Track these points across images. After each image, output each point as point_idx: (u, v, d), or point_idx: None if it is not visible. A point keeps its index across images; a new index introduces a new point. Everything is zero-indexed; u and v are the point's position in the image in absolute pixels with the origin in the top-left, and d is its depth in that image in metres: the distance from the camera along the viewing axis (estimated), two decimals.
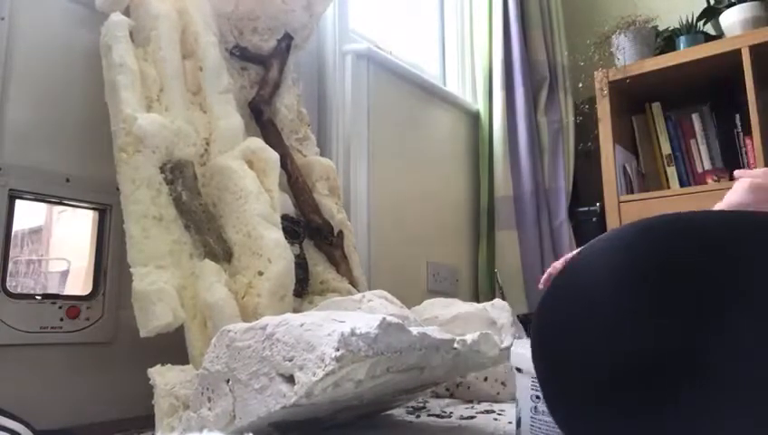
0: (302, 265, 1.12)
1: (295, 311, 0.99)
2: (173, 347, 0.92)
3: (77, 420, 0.95)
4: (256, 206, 0.97)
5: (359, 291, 1.16)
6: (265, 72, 1.26)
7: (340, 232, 1.23)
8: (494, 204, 1.97)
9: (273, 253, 0.94)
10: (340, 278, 1.18)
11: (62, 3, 1.05)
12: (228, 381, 0.68)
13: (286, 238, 1.00)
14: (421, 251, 1.76)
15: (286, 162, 1.18)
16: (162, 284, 0.88)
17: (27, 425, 0.71)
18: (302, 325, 0.63)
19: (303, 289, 1.12)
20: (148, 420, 0.90)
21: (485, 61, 2.07)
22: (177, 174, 0.97)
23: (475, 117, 2.09)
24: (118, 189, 1.05)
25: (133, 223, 0.91)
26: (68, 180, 1.01)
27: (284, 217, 1.06)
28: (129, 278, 1.05)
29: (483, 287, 1.96)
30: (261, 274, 0.93)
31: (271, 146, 1.11)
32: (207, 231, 0.98)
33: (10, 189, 0.94)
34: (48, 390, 0.95)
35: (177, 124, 0.99)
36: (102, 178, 1.04)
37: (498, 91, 2.02)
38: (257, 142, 1.08)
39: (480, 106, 2.08)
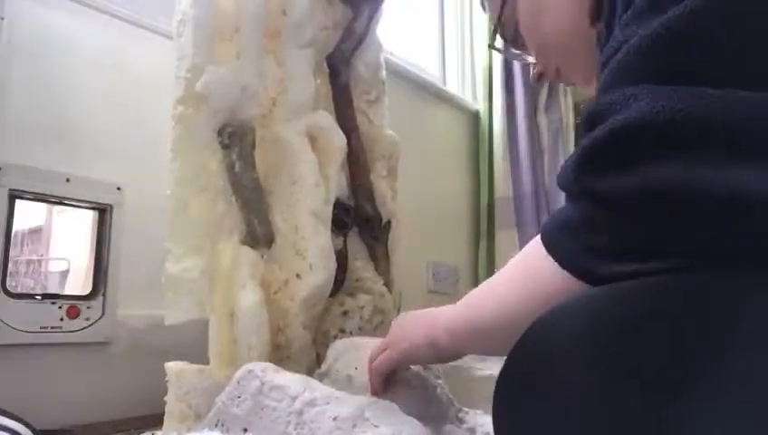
0: (341, 263, 1.05)
1: (324, 309, 0.97)
2: (173, 347, 0.91)
3: (77, 420, 0.95)
4: (310, 201, 0.92)
5: (390, 293, 1.11)
6: (353, 18, 1.13)
7: (389, 222, 1.17)
8: (494, 204, 1.97)
9: (317, 261, 0.90)
10: (376, 278, 1.12)
11: (62, 2, 1.05)
12: (246, 430, 0.67)
13: (332, 229, 0.95)
14: (421, 251, 1.76)
15: (351, 138, 1.09)
16: (196, 273, 0.85)
17: (27, 425, 0.71)
18: (335, 419, 0.61)
19: (336, 289, 1.05)
20: (148, 420, 0.89)
21: (485, 61, 2.07)
22: (236, 141, 0.90)
23: (474, 117, 2.09)
24: (118, 189, 1.06)
25: (179, 187, 0.86)
26: (68, 180, 1.01)
27: (335, 204, 1.00)
28: (129, 278, 1.05)
29: None
30: (299, 277, 0.89)
31: (339, 115, 1.05)
32: (254, 210, 0.92)
33: (10, 189, 0.94)
34: (48, 390, 0.95)
35: (245, 80, 0.91)
36: (102, 179, 1.04)
37: (498, 91, 2.02)
38: (326, 120, 1.00)
39: (480, 106, 2.08)
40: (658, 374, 0.32)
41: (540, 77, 0.69)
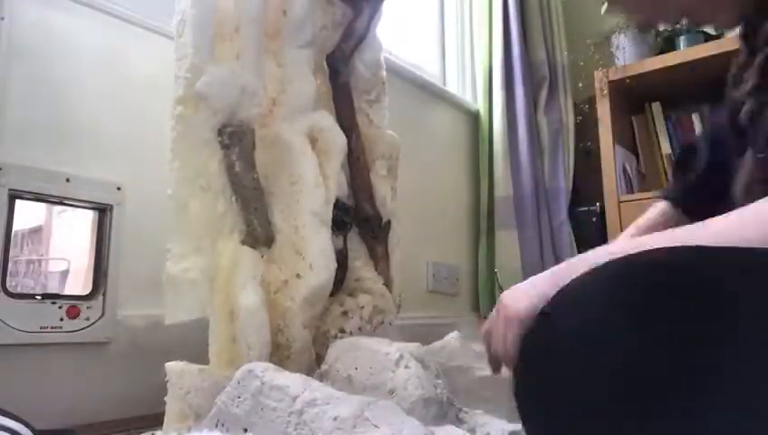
0: (341, 263, 1.04)
1: (324, 309, 0.97)
2: (173, 346, 0.91)
3: (77, 420, 0.95)
4: (310, 201, 0.92)
5: (391, 293, 1.12)
6: (353, 18, 1.13)
7: (388, 222, 1.18)
8: (494, 204, 1.97)
9: (317, 261, 0.90)
10: (376, 277, 1.12)
11: (62, 2, 1.05)
12: (246, 430, 0.67)
13: (333, 229, 0.95)
14: (421, 251, 1.76)
15: (351, 138, 1.09)
16: (197, 273, 0.85)
17: (27, 425, 0.71)
18: (335, 419, 0.61)
19: (336, 289, 1.05)
20: (148, 420, 0.89)
21: (485, 61, 2.07)
22: (236, 141, 0.91)
23: (474, 117, 2.09)
24: (118, 189, 1.06)
25: (179, 187, 0.86)
26: (68, 180, 1.01)
27: (335, 205, 1.00)
28: (129, 278, 1.05)
29: (483, 287, 1.96)
30: (299, 276, 0.89)
31: (339, 115, 1.05)
32: (254, 210, 0.93)
33: (10, 189, 0.94)
34: (48, 390, 0.95)
35: (244, 80, 0.91)
36: (102, 178, 1.04)
37: (498, 91, 2.01)
38: (326, 120, 1.00)
39: (480, 106, 2.08)
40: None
41: (650, 25, 0.65)
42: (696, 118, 1.92)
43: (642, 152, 2.02)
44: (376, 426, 0.59)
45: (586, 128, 2.08)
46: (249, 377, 0.69)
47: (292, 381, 0.67)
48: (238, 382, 0.70)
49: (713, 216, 0.50)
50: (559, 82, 2.11)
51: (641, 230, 0.82)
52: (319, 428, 0.61)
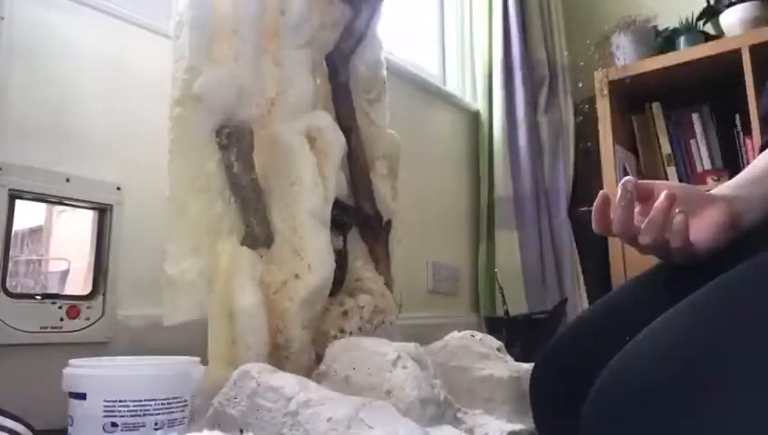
0: (341, 263, 1.04)
1: (324, 309, 0.98)
2: (173, 347, 0.91)
3: None
4: (308, 201, 0.92)
5: (391, 293, 1.12)
6: (352, 17, 1.13)
7: (389, 222, 1.17)
8: (494, 204, 1.97)
9: (315, 261, 0.90)
10: (377, 277, 1.12)
11: (62, 2, 1.05)
12: (242, 431, 0.67)
13: (332, 229, 0.95)
14: (421, 251, 1.76)
15: (351, 137, 1.09)
16: (195, 274, 0.85)
17: (27, 425, 0.71)
18: (329, 420, 0.61)
19: (336, 289, 1.04)
20: None
21: (485, 61, 2.07)
22: (234, 141, 0.91)
23: (475, 117, 2.09)
24: (118, 189, 1.06)
25: (177, 188, 0.87)
26: (68, 180, 1.01)
27: (335, 204, 1.00)
28: (129, 278, 1.05)
29: (483, 287, 1.96)
30: (298, 277, 0.89)
31: (339, 115, 1.05)
32: (253, 211, 0.93)
33: (10, 189, 0.94)
34: (48, 390, 0.95)
35: (242, 80, 0.91)
36: (102, 179, 1.04)
37: (498, 90, 2.02)
38: (325, 119, 1.00)
39: (480, 106, 2.08)
40: None
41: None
42: (696, 118, 1.92)
43: (642, 152, 2.02)
44: (370, 427, 0.59)
45: (586, 128, 2.08)
46: (245, 378, 0.69)
47: (287, 381, 0.67)
48: (234, 384, 0.70)
49: None
50: (559, 81, 2.11)
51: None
52: (313, 429, 0.61)
